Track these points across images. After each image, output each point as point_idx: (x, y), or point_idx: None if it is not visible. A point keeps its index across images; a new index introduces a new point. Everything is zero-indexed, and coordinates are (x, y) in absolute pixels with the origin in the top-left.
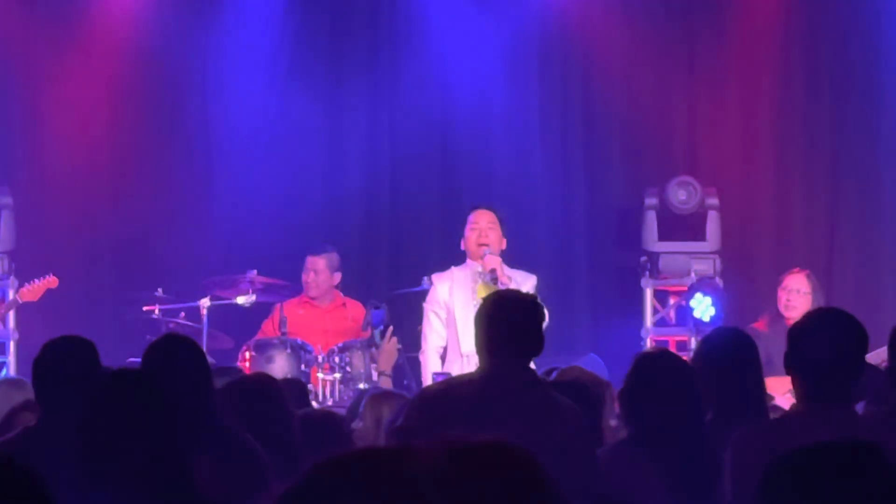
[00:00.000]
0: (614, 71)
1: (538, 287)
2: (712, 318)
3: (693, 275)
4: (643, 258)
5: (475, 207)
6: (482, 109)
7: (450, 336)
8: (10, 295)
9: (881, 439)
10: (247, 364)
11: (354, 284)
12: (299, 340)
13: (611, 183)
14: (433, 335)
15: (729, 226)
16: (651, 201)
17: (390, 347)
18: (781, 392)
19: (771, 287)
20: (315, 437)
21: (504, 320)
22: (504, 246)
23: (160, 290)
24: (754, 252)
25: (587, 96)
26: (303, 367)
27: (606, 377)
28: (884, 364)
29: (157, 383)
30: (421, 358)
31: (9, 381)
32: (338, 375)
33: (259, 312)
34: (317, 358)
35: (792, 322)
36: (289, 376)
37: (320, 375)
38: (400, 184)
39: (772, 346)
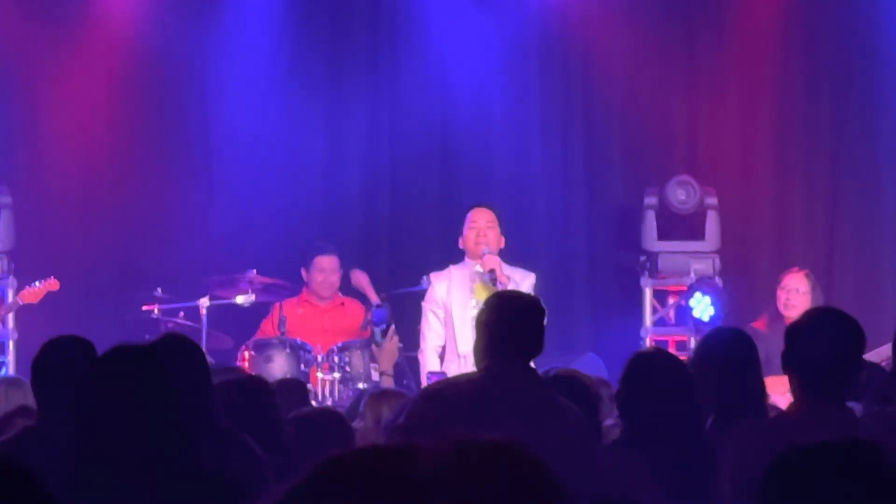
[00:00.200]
0: (614, 71)
1: (537, 285)
2: (712, 318)
3: (692, 274)
4: (642, 258)
5: (473, 206)
6: (482, 109)
7: (447, 336)
8: (10, 294)
9: (881, 439)
10: (246, 364)
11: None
12: (298, 340)
13: (610, 182)
14: (432, 335)
15: (728, 225)
16: (650, 201)
17: (391, 346)
18: (781, 391)
19: (770, 286)
20: (317, 436)
21: (505, 321)
22: (502, 244)
23: (159, 289)
24: (754, 251)
25: (587, 96)
26: (302, 366)
27: (606, 376)
28: (885, 363)
29: (159, 359)
30: (420, 358)
31: (8, 381)
32: (337, 375)
33: (258, 312)
34: (316, 358)
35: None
36: (288, 376)
37: (319, 375)
38: (399, 183)
39: (771, 346)
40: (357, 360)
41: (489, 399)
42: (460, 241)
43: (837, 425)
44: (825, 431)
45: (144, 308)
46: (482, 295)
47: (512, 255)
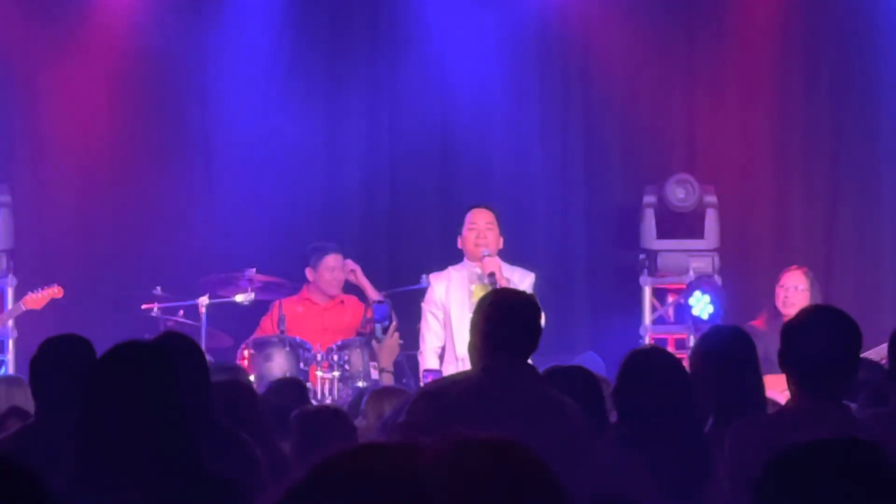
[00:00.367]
0: (613, 69)
1: (536, 285)
2: (711, 316)
3: (692, 273)
4: (642, 256)
5: (473, 207)
6: (481, 108)
7: (446, 338)
8: (9, 293)
9: (879, 439)
10: (245, 362)
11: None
12: (298, 339)
13: (609, 181)
14: (431, 336)
15: (727, 223)
16: (650, 199)
17: (392, 343)
18: (780, 389)
19: (770, 284)
20: (320, 434)
21: (501, 318)
22: (501, 245)
23: (159, 288)
24: (753, 250)
25: (586, 95)
26: (301, 365)
27: (605, 375)
28: (884, 360)
29: (163, 358)
30: (419, 359)
31: (7, 379)
32: (336, 373)
33: (258, 310)
34: (315, 356)
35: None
36: (287, 374)
37: (319, 374)
38: (399, 182)
39: (770, 344)
40: (356, 358)
41: (489, 397)
42: (459, 241)
43: (835, 423)
44: (822, 429)
45: (144, 307)
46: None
47: (511, 253)
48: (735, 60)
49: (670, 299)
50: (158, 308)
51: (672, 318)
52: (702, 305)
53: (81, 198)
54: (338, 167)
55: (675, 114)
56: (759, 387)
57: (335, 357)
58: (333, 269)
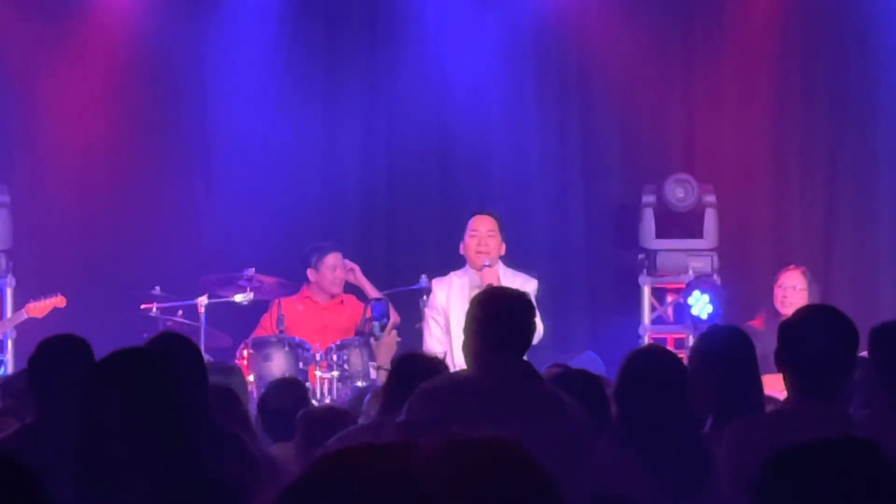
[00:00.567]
0: (612, 68)
1: (538, 292)
2: (710, 316)
3: (691, 272)
4: (641, 256)
5: (475, 214)
6: (479, 108)
7: (446, 344)
8: (8, 294)
9: (877, 438)
10: (244, 362)
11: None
12: (297, 338)
13: (608, 181)
14: (432, 341)
15: (726, 223)
16: (648, 199)
17: (390, 341)
18: (778, 389)
19: (768, 284)
20: (324, 434)
21: (495, 316)
22: (503, 252)
23: (158, 287)
24: (752, 249)
25: (585, 94)
26: (300, 365)
27: (604, 375)
28: None
29: (159, 361)
30: None
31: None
32: (336, 373)
33: (257, 310)
34: (314, 356)
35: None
36: (287, 374)
37: (318, 373)
38: (397, 182)
39: (768, 344)
40: (355, 358)
41: (489, 396)
42: (461, 247)
43: (832, 423)
44: (820, 429)
45: (143, 306)
46: None
47: (510, 253)
48: (733, 60)
49: (669, 299)
50: (157, 308)
51: (671, 318)
52: (701, 305)
53: (80, 198)
54: (336, 167)
55: (673, 113)
56: (758, 387)
57: (334, 357)
58: (335, 267)
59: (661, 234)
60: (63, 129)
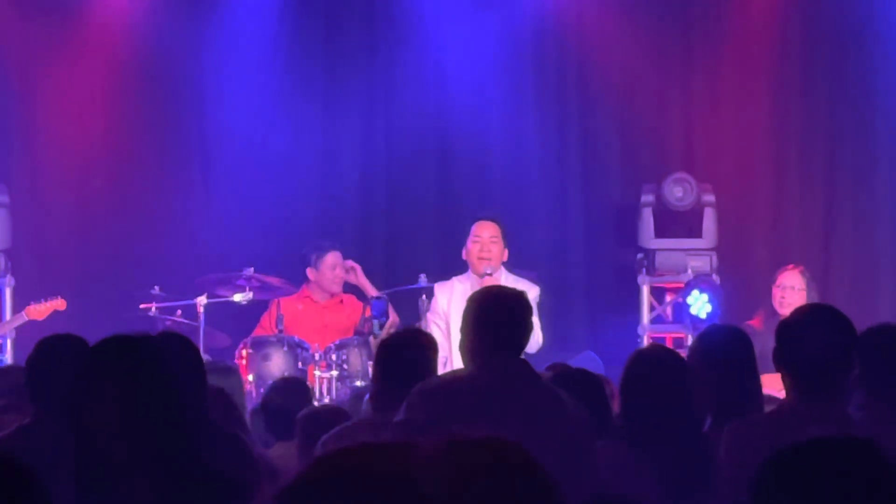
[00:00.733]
0: (610, 68)
1: (540, 299)
2: (709, 315)
3: (690, 272)
4: (640, 255)
5: (478, 219)
6: (478, 108)
7: (447, 349)
8: (7, 293)
9: (876, 437)
10: (243, 362)
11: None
12: (296, 338)
13: (607, 180)
14: None
15: (725, 223)
16: (647, 198)
17: None
18: (777, 389)
19: (767, 284)
20: (321, 434)
21: (493, 315)
22: (506, 258)
23: (157, 287)
24: (751, 249)
25: (584, 94)
26: (300, 364)
27: (603, 374)
28: None
29: (154, 349)
30: None
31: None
32: (335, 373)
33: (256, 310)
34: (314, 356)
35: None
36: (286, 374)
37: (317, 373)
38: (396, 182)
39: (767, 344)
40: (355, 357)
41: (489, 395)
42: (463, 252)
43: (831, 422)
44: (818, 428)
45: (142, 306)
46: None
47: (510, 253)
48: (732, 59)
49: (668, 298)
50: (156, 308)
51: (670, 318)
52: (700, 304)
53: (79, 198)
54: (335, 167)
55: (672, 113)
56: (757, 386)
57: (333, 357)
58: (335, 266)
59: (660, 233)
60: (62, 130)
